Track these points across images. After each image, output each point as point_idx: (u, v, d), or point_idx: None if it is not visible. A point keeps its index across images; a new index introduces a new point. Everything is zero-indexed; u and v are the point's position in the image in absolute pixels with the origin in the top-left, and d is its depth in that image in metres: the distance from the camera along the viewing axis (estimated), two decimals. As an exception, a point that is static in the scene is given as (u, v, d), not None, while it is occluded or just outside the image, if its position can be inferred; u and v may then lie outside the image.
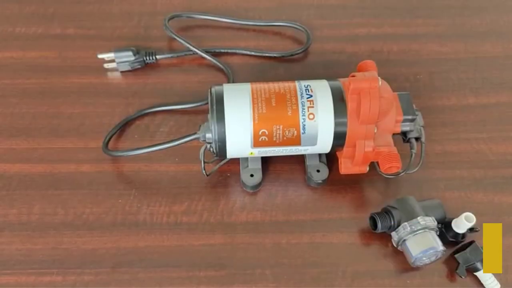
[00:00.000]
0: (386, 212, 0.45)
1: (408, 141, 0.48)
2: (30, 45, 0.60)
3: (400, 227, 0.43)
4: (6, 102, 0.55)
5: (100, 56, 0.57)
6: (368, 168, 0.48)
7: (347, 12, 0.64)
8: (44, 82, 0.57)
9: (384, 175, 0.48)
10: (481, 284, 0.44)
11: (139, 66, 0.58)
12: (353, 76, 0.45)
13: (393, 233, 0.44)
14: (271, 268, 0.44)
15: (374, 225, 0.45)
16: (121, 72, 0.58)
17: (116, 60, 0.57)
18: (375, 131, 0.45)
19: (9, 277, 0.44)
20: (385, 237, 0.45)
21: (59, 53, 0.60)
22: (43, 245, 0.45)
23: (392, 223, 0.44)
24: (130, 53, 0.56)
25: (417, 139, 0.48)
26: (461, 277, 0.43)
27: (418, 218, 0.43)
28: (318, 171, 0.49)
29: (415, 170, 0.47)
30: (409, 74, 0.58)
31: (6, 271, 0.44)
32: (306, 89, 0.45)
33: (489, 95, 0.56)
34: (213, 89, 0.46)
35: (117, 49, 0.57)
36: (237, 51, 0.59)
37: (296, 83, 0.46)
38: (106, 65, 0.57)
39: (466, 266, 0.43)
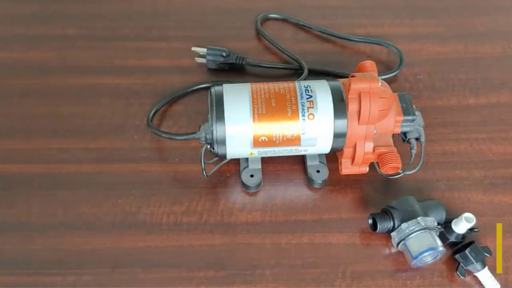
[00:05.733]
0: (386, 212, 0.45)
1: (408, 141, 0.48)
2: (30, 45, 0.60)
3: (400, 228, 0.43)
4: (6, 102, 0.55)
5: (194, 49, 0.57)
6: (368, 169, 0.48)
7: (347, 12, 0.64)
8: (44, 82, 0.57)
9: (384, 176, 0.48)
10: (481, 284, 0.43)
11: (227, 68, 0.58)
12: (353, 76, 0.45)
13: (393, 234, 0.44)
14: (271, 268, 0.44)
15: (374, 226, 0.45)
16: (209, 69, 0.58)
17: (206, 57, 0.57)
18: (375, 131, 0.45)
19: (9, 277, 0.44)
20: (385, 237, 0.45)
21: (59, 53, 0.60)
22: (42, 246, 0.45)
23: (392, 223, 0.44)
24: (222, 53, 0.57)
25: (417, 139, 0.48)
26: (461, 277, 0.44)
27: (418, 218, 0.43)
28: (318, 171, 0.49)
29: (415, 170, 0.47)
30: (409, 74, 0.58)
31: (6, 271, 0.44)
32: (306, 90, 0.45)
33: (489, 95, 0.56)
34: (213, 90, 0.46)
35: (211, 47, 0.57)
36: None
37: (296, 84, 0.46)
38: (197, 59, 0.58)
39: (466, 267, 0.43)
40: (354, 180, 0.49)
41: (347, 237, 0.46)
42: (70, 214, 0.47)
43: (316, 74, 0.57)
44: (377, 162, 0.47)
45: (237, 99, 0.45)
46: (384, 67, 0.58)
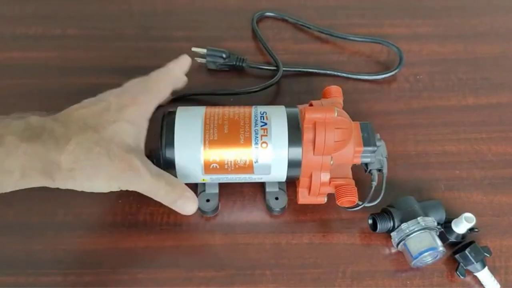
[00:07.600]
0: (386, 212, 0.45)
1: (370, 172, 0.46)
2: (30, 45, 0.60)
3: (400, 228, 0.43)
4: (6, 102, 0.55)
5: (194, 49, 0.57)
6: (326, 199, 0.46)
7: (347, 12, 0.64)
8: (44, 83, 0.57)
9: (342, 208, 0.47)
10: (481, 284, 0.44)
11: (227, 69, 0.58)
12: (311, 104, 0.43)
13: (393, 234, 0.44)
14: (271, 269, 0.44)
15: (374, 226, 0.45)
16: (208, 69, 0.58)
17: (206, 58, 0.57)
18: (332, 162, 0.43)
19: (9, 278, 0.44)
20: (385, 237, 0.45)
21: (59, 54, 0.59)
22: (42, 246, 0.45)
23: (392, 223, 0.44)
24: (222, 54, 0.57)
25: (379, 170, 0.46)
26: (461, 277, 0.44)
27: (418, 218, 0.43)
28: (276, 198, 0.47)
29: (375, 202, 0.46)
30: (409, 74, 0.58)
31: (6, 272, 0.44)
32: (261, 116, 0.43)
33: (489, 95, 0.56)
34: (165, 113, 0.44)
35: (211, 48, 0.57)
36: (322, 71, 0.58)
37: (253, 109, 0.44)
38: (197, 59, 0.58)
39: (466, 267, 0.43)
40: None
41: (347, 237, 0.46)
42: (70, 214, 0.47)
43: (316, 74, 0.57)
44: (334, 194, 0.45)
45: (188, 123, 0.43)
46: (384, 67, 0.58)
